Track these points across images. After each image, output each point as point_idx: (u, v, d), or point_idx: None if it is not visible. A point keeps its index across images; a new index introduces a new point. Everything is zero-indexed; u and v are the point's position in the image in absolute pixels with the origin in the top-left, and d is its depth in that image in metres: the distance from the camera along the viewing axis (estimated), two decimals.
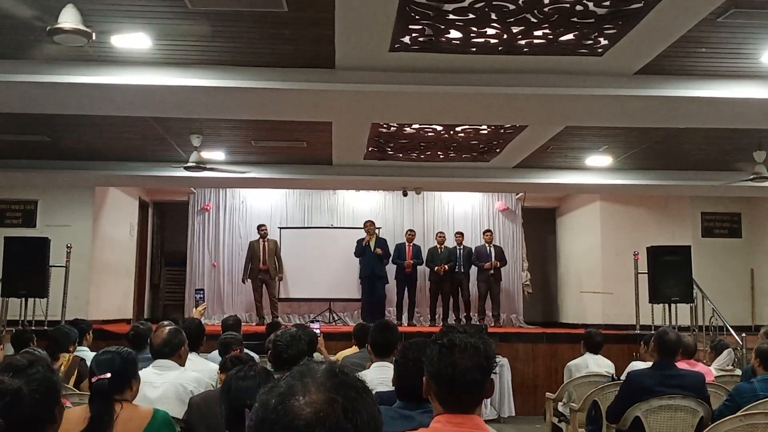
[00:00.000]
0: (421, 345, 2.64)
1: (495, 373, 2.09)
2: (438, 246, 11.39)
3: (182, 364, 3.85)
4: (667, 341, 4.36)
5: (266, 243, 11.22)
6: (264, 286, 11.12)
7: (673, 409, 4.28)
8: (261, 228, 11.29)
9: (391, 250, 11.27)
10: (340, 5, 4.40)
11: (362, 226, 11.30)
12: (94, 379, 2.79)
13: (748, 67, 5.52)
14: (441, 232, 11.62)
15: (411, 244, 11.42)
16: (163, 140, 8.14)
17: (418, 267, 11.43)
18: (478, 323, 10.84)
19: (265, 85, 5.61)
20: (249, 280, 11.23)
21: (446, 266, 11.12)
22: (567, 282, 12.74)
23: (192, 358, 4.30)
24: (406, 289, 11.30)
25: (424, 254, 11.45)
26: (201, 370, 4.08)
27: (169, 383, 3.61)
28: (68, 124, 7.50)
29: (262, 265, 11.02)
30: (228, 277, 12.28)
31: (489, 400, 7.38)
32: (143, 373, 3.57)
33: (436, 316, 11.47)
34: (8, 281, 8.55)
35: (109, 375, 2.77)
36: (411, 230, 11.70)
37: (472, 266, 11.36)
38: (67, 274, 9.08)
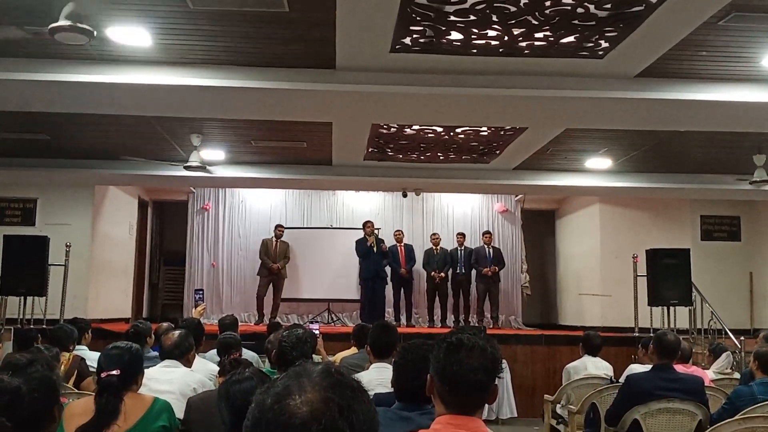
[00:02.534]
0: (420, 346, 2.65)
1: (500, 377, 2.09)
2: (434, 248, 11.39)
3: (189, 367, 3.95)
4: (666, 343, 4.37)
5: (278, 243, 11.27)
6: (271, 285, 11.16)
7: (671, 413, 4.28)
8: (278, 228, 11.38)
9: None
10: (342, 6, 4.41)
11: (362, 227, 11.27)
12: (103, 375, 2.83)
13: (749, 70, 5.53)
14: (435, 234, 11.61)
15: (402, 245, 11.41)
16: (163, 139, 8.14)
17: (413, 267, 11.44)
18: (476, 325, 10.84)
19: (265, 85, 5.61)
20: (258, 276, 11.26)
21: (443, 274, 11.13)
22: (566, 284, 12.73)
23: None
24: (402, 290, 11.30)
25: (417, 254, 11.45)
26: (199, 370, 4.12)
27: (174, 380, 3.70)
28: (68, 122, 7.49)
29: (273, 264, 11.06)
30: (227, 277, 12.31)
31: None
32: (151, 371, 3.62)
33: (435, 318, 11.47)
34: (7, 279, 8.54)
35: (117, 372, 2.81)
36: (399, 230, 11.67)
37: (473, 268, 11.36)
38: (66, 272, 9.09)
